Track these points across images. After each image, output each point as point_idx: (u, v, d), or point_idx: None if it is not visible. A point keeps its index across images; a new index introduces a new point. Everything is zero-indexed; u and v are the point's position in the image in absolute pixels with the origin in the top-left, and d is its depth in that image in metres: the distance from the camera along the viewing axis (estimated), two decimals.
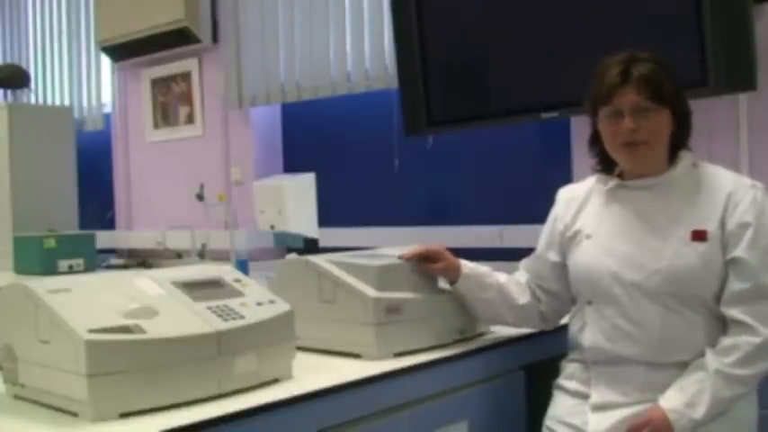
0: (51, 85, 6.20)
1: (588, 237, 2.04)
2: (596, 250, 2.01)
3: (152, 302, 1.69)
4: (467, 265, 2.20)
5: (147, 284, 1.79)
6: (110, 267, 5.16)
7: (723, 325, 1.90)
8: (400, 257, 2.19)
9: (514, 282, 2.21)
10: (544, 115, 3.35)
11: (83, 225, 5.47)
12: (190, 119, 5.21)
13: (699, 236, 1.89)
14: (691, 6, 2.86)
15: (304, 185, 3.79)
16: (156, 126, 5.42)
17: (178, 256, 4.73)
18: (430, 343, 2.14)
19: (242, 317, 1.75)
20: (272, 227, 3.77)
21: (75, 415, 1.54)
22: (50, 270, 4.68)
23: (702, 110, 3.13)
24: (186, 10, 4.83)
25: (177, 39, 4.98)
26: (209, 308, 1.75)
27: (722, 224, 1.89)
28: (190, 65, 5.16)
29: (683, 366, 1.89)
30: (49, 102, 6.18)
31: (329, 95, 4.37)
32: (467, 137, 3.90)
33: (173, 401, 1.59)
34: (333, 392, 1.77)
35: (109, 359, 1.53)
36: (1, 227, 5.12)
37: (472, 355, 2.16)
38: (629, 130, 1.91)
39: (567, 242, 2.12)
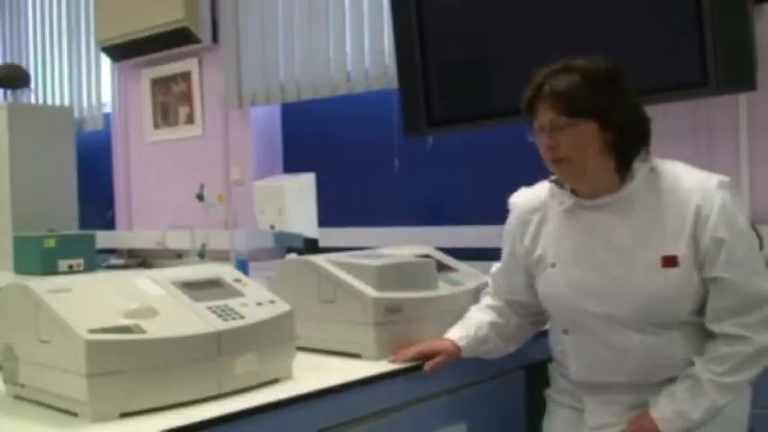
0: (51, 85, 6.20)
1: (553, 265, 1.97)
2: (562, 281, 1.95)
3: (152, 302, 1.69)
4: (460, 338, 2.08)
5: (148, 284, 1.79)
6: (110, 267, 5.16)
7: (706, 333, 1.86)
8: (391, 361, 2.01)
9: (497, 314, 2.13)
10: None
11: (83, 225, 5.47)
12: (190, 119, 5.21)
13: (670, 262, 1.81)
14: (691, 6, 2.86)
15: (304, 185, 3.80)
16: (156, 126, 5.42)
17: (178, 256, 4.72)
18: None
19: (242, 317, 1.75)
20: (272, 227, 3.77)
21: (75, 415, 1.54)
22: (50, 270, 4.68)
23: (702, 109, 3.15)
24: (186, 10, 4.82)
25: (177, 39, 4.97)
26: (209, 308, 1.75)
27: (694, 242, 1.81)
28: (190, 65, 5.16)
29: (672, 381, 1.86)
30: (49, 102, 6.18)
31: (329, 95, 4.37)
32: (467, 137, 3.89)
33: (173, 401, 1.59)
34: (333, 392, 1.77)
35: (109, 359, 1.53)
36: (1, 226, 5.12)
37: None
38: (548, 148, 1.86)
39: (533, 266, 2.05)
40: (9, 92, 5.79)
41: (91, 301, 1.65)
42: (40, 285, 1.66)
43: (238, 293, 1.87)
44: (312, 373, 1.87)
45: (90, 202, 5.67)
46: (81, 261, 4.85)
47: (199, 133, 5.16)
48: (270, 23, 4.63)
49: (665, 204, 1.84)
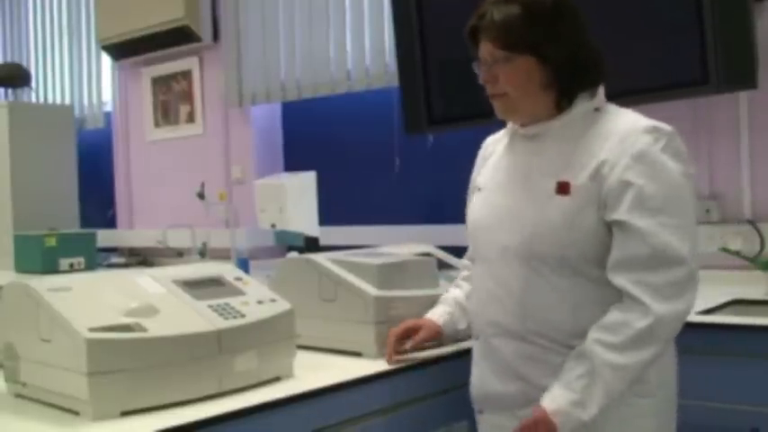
0: (52, 84, 6.20)
1: (479, 190, 1.90)
2: (479, 208, 1.88)
3: (153, 301, 1.70)
4: (439, 316, 2.04)
5: (148, 283, 1.79)
6: (111, 266, 5.16)
7: (606, 297, 1.67)
8: (390, 363, 1.98)
9: (469, 283, 2.03)
10: None
11: (83, 224, 5.47)
12: (190, 117, 5.21)
13: (562, 188, 1.68)
14: (691, 5, 2.86)
15: (305, 184, 3.80)
16: (157, 124, 5.42)
17: (179, 254, 4.73)
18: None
19: (243, 315, 1.76)
20: (273, 225, 3.78)
21: (76, 413, 1.54)
22: (51, 269, 4.69)
23: (703, 108, 3.15)
24: (186, 8, 4.83)
25: (178, 37, 4.98)
26: (209, 306, 1.75)
27: (598, 178, 1.66)
28: (190, 63, 5.16)
29: (551, 344, 1.71)
30: (50, 100, 6.18)
31: (329, 94, 4.37)
32: (467, 135, 3.88)
33: (173, 400, 1.60)
34: (333, 391, 1.77)
35: (110, 358, 1.53)
36: (2, 225, 5.12)
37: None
38: (485, 82, 1.78)
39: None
40: (10, 91, 5.80)
41: (91, 299, 1.65)
42: (41, 284, 1.67)
43: (239, 292, 1.87)
44: (313, 372, 1.87)
45: (91, 200, 5.68)
46: (82, 260, 4.86)
47: (199, 132, 5.16)
48: (270, 22, 4.63)
49: (587, 139, 1.71)
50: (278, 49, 4.60)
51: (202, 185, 4.34)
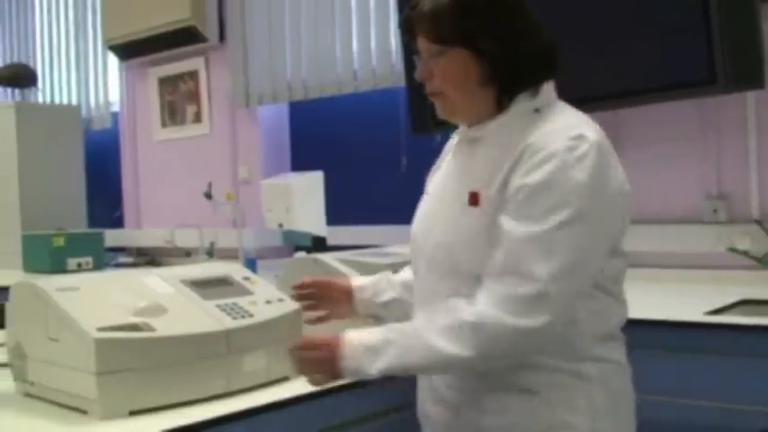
0: (59, 84, 6.22)
1: (426, 195, 1.79)
2: (417, 214, 1.78)
3: (161, 300, 1.70)
4: (360, 279, 1.92)
5: (156, 282, 1.80)
6: (118, 266, 5.17)
7: None
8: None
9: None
10: None
11: (91, 223, 5.49)
12: (197, 117, 5.22)
13: (473, 199, 1.52)
14: (698, 4, 2.85)
15: (312, 184, 3.81)
16: (164, 125, 5.43)
17: (187, 254, 4.74)
18: None
19: (251, 315, 1.76)
20: (281, 225, 3.78)
21: (84, 412, 1.55)
22: (59, 268, 4.70)
23: (711, 108, 3.15)
24: (193, 9, 4.83)
25: (184, 38, 4.99)
26: (218, 306, 1.75)
27: (505, 184, 1.48)
28: (197, 63, 5.17)
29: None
30: (57, 100, 6.20)
31: (336, 94, 4.38)
32: None
33: (181, 399, 1.60)
34: (341, 391, 1.76)
35: (118, 357, 1.54)
36: (9, 225, 5.14)
37: None
38: (421, 79, 1.63)
39: None
40: (17, 91, 5.81)
41: (99, 299, 1.65)
42: (49, 284, 1.67)
43: (247, 292, 1.87)
44: None
45: (98, 200, 5.69)
46: (90, 259, 4.87)
47: (206, 132, 5.17)
48: (276, 22, 4.63)
49: (515, 144, 1.50)
50: (284, 49, 4.61)
51: (209, 185, 4.35)
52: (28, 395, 1.70)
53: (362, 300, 1.87)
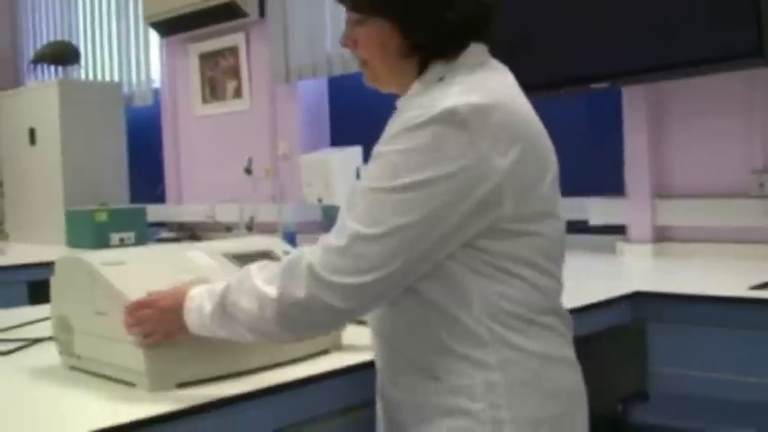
0: (101, 61, 6.28)
1: None
2: None
3: (206, 274, 1.71)
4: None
5: (200, 257, 1.81)
6: (160, 241, 5.23)
7: (435, 316, 1.40)
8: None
9: None
10: (594, 86, 3.30)
11: (133, 199, 5.55)
12: (237, 93, 5.24)
13: (359, 174, 1.49)
14: None
15: (351, 159, 3.80)
16: (205, 100, 5.46)
17: (227, 229, 4.78)
18: None
19: None
20: (320, 200, 3.80)
21: (132, 385, 1.57)
22: (102, 243, 4.76)
23: (758, 81, 3.09)
24: None
25: (224, 13, 4.99)
26: None
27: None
28: (237, 39, 5.18)
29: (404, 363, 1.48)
30: (99, 78, 6.26)
31: None
32: None
33: (228, 371, 1.61)
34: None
35: None
36: (53, 201, 5.21)
37: None
38: (345, 47, 1.59)
39: None
40: (60, 69, 5.87)
41: (145, 273, 1.66)
42: (95, 258, 1.69)
43: None
44: (362, 344, 1.88)
45: (140, 176, 5.75)
46: (132, 234, 4.93)
47: (246, 107, 5.19)
48: None
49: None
50: (324, 24, 4.60)
51: (249, 161, 4.38)
52: (74, 368, 1.72)
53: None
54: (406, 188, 1.32)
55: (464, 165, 1.31)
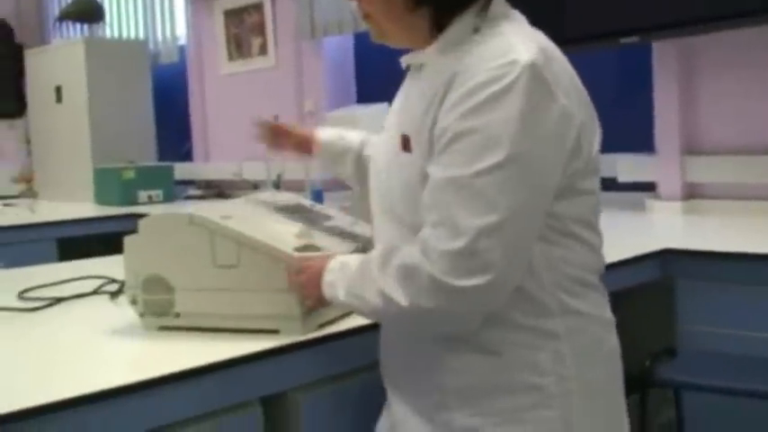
0: (126, 19, 6.27)
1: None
2: (372, 154, 1.67)
3: (299, 226, 1.71)
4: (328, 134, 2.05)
5: (270, 211, 1.82)
6: (188, 198, 5.26)
7: None
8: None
9: None
10: (623, 40, 3.25)
11: (161, 157, 5.58)
12: (263, 50, 5.22)
13: (404, 144, 1.37)
14: None
15: (377, 115, 3.78)
16: (230, 58, 5.45)
17: (254, 186, 4.79)
18: None
19: (356, 236, 1.78)
20: None
21: (275, 332, 1.57)
22: (130, 201, 4.81)
23: None
24: None
25: None
26: (327, 230, 1.78)
27: (434, 125, 1.30)
28: None
29: None
30: (124, 35, 6.26)
31: None
32: None
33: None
34: None
35: None
36: (81, 159, 5.25)
37: None
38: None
39: None
40: (85, 26, 5.87)
41: (257, 225, 1.65)
42: (208, 213, 1.63)
43: (328, 217, 1.88)
44: None
45: (167, 134, 5.77)
46: (160, 192, 4.97)
47: (272, 64, 5.17)
48: None
49: (445, 74, 1.30)
50: None
51: (275, 118, 4.36)
52: (163, 328, 1.67)
53: (326, 141, 2.04)
54: (510, 161, 1.21)
55: (555, 118, 1.24)
